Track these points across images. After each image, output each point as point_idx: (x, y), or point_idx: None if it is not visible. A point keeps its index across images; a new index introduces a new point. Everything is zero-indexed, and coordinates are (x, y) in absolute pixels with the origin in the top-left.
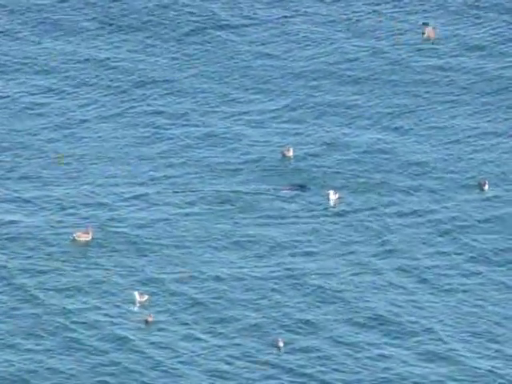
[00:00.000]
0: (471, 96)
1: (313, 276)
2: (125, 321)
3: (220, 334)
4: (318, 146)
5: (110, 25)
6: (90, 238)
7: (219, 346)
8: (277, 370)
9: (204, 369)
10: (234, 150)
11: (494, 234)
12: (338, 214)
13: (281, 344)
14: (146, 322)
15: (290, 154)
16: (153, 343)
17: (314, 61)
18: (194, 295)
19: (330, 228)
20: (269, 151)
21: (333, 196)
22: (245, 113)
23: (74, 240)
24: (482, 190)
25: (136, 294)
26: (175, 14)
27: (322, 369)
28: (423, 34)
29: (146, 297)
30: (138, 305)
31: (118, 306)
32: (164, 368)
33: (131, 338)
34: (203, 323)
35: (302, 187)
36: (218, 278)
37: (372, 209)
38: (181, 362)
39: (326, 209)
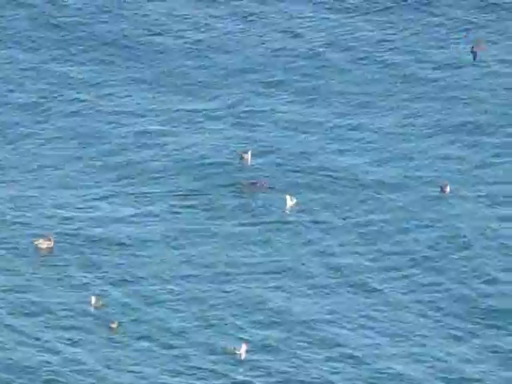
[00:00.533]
0: (393, 98)
1: (242, 282)
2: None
3: (157, 340)
4: (260, 148)
5: (39, 27)
6: (52, 244)
7: (159, 353)
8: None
9: (139, 376)
10: (181, 151)
11: (430, 233)
12: (273, 215)
13: (242, 351)
14: (111, 328)
15: (248, 157)
16: (86, 349)
17: (250, 62)
18: (134, 300)
19: (270, 232)
20: (214, 152)
21: (290, 202)
22: (188, 114)
23: (35, 247)
24: (444, 192)
25: (92, 298)
26: (107, 16)
27: (249, 374)
28: (473, 52)
29: (100, 301)
30: (93, 309)
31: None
32: (92, 373)
33: (62, 342)
34: (141, 329)
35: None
36: (160, 281)
37: (307, 211)
38: (109, 368)
39: (270, 212)
